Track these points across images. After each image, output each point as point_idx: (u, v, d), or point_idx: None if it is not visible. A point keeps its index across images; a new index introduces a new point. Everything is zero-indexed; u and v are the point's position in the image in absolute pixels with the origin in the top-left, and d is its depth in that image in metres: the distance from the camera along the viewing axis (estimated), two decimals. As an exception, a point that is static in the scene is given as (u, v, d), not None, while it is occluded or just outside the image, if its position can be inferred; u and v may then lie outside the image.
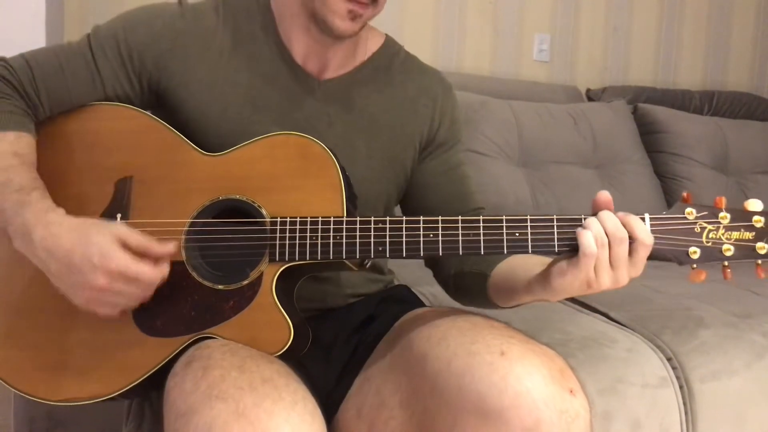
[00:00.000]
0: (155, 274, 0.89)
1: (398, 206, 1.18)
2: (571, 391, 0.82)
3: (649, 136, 2.48)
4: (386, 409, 0.92)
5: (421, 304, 1.15)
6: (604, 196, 0.88)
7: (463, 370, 0.83)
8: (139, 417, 1.10)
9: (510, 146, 2.20)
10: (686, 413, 1.36)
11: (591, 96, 2.63)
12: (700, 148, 2.47)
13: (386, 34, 1.14)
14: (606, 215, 0.86)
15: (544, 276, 0.90)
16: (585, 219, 0.87)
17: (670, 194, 2.41)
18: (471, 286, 1.07)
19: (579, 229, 0.85)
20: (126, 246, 0.88)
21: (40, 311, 0.97)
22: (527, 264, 0.96)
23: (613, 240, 0.84)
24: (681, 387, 1.37)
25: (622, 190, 2.27)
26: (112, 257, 0.86)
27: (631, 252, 0.85)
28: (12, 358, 0.97)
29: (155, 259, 0.90)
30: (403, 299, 1.16)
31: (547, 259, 0.93)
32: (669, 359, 1.40)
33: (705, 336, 1.46)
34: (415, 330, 0.95)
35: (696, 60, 2.93)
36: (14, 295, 0.99)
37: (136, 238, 0.89)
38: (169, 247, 0.91)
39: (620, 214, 0.86)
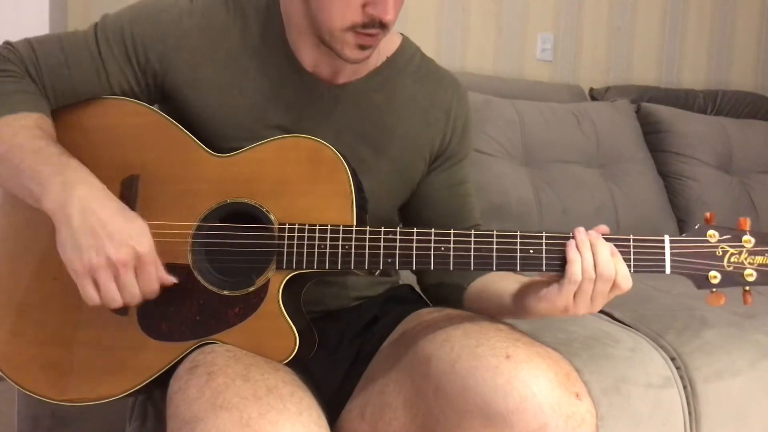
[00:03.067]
0: (155, 289, 0.90)
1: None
2: (577, 395, 0.81)
3: (653, 135, 2.47)
4: (389, 410, 0.92)
5: (425, 304, 1.15)
6: (603, 230, 0.88)
7: (467, 373, 0.83)
8: (143, 416, 1.10)
9: (513, 145, 2.20)
10: (690, 413, 1.36)
11: (594, 95, 2.62)
12: (704, 148, 2.46)
13: (402, 35, 1.09)
14: (602, 249, 0.84)
15: (520, 298, 0.91)
16: (574, 237, 0.86)
17: (673, 194, 2.40)
18: (448, 298, 1.08)
19: (569, 248, 0.85)
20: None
21: (47, 310, 0.97)
22: (503, 281, 0.97)
23: (601, 277, 0.84)
24: (684, 387, 1.37)
25: (625, 189, 2.27)
26: (147, 244, 0.87)
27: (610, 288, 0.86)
28: (17, 355, 0.97)
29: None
30: (407, 299, 1.16)
31: (524, 279, 0.93)
32: (673, 359, 1.40)
33: (709, 336, 1.46)
34: (419, 331, 0.95)
35: (699, 59, 2.92)
36: (20, 291, 0.98)
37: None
38: (171, 280, 0.92)
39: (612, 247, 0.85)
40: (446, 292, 1.08)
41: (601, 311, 1.56)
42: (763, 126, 2.65)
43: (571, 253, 0.85)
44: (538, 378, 0.80)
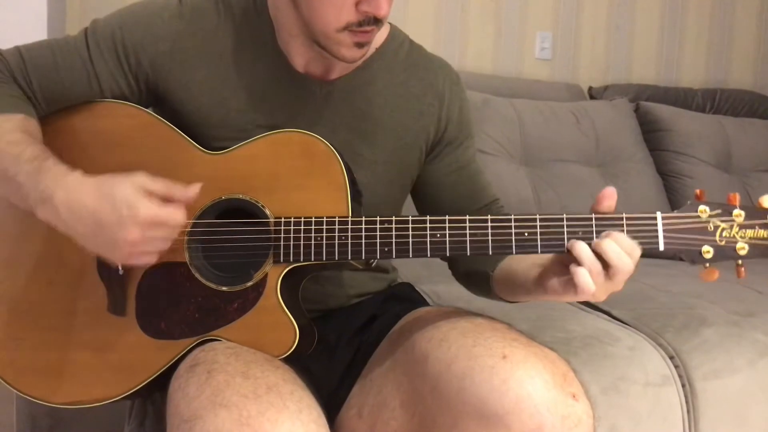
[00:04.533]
0: (180, 217, 0.87)
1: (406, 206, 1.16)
2: (574, 396, 0.81)
3: (652, 134, 2.48)
4: (387, 410, 0.92)
5: (424, 303, 1.15)
6: (610, 192, 0.87)
7: (463, 373, 0.83)
8: (142, 415, 1.10)
9: (512, 144, 2.20)
10: (688, 411, 1.36)
11: (593, 94, 2.63)
12: (703, 147, 2.46)
13: (390, 24, 1.08)
14: (607, 246, 0.83)
15: (541, 285, 0.90)
16: (569, 245, 0.84)
17: (672, 192, 2.40)
18: (479, 284, 1.07)
19: (572, 267, 0.83)
20: (150, 193, 0.87)
21: (43, 312, 0.97)
22: (525, 263, 0.95)
23: (617, 271, 0.83)
24: (683, 385, 1.36)
25: (624, 188, 2.27)
26: (139, 207, 0.85)
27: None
28: (15, 360, 0.97)
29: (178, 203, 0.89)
30: (406, 298, 1.16)
31: (544, 259, 0.92)
32: (671, 357, 1.40)
33: (707, 334, 1.46)
34: (417, 330, 0.95)
35: (698, 58, 2.92)
36: (17, 295, 0.98)
37: (158, 184, 0.88)
38: (191, 191, 0.90)
39: (613, 235, 0.84)
40: (475, 281, 1.08)
41: (600, 310, 1.57)
42: (761, 124, 2.66)
43: (572, 267, 0.83)
44: (534, 378, 0.80)
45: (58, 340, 0.96)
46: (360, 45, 0.94)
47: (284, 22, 0.99)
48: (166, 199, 0.88)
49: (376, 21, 0.92)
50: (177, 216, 0.87)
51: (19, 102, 0.96)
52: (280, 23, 1.01)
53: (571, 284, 0.84)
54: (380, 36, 1.06)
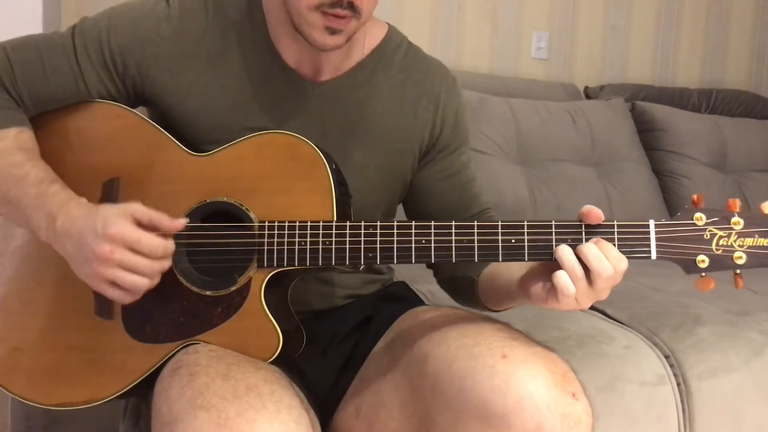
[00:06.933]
0: (157, 243, 0.87)
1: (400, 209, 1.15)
2: (574, 395, 0.81)
3: (647, 133, 2.48)
4: (385, 410, 0.92)
5: (420, 302, 1.14)
6: (594, 214, 0.84)
7: (464, 373, 0.83)
8: (136, 414, 1.09)
9: (508, 144, 2.20)
10: (684, 411, 1.36)
11: (589, 94, 2.63)
12: (698, 146, 2.47)
13: (388, 25, 1.07)
14: (589, 251, 0.81)
15: (524, 289, 0.88)
16: (557, 248, 0.82)
17: (667, 192, 2.41)
18: (463, 291, 1.07)
19: (555, 273, 0.82)
20: (136, 220, 0.87)
21: (33, 315, 0.97)
22: (509, 269, 0.95)
23: (598, 277, 0.81)
24: (678, 384, 1.37)
25: (619, 187, 2.27)
26: (113, 223, 0.85)
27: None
28: (4, 360, 0.97)
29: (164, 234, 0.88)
30: (402, 297, 1.15)
31: (530, 265, 0.90)
32: (667, 357, 1.40)
33: (703, 333, 1.46)
34: (415, 330, 0.95)
35: (694, 58, 2.93)
36: (7, 297, 0.98)
37: (144, 211, 0.88)
38: (179, 223, 0.89)
39: (601, 242, 0.82)
40: (460, 286, 1.07)
41: (595, 309, 1.57)
42: (756, 124, 2.66)
43: (556, 274, 0.82)
44: (534, 378, 0.80)
45: (47, 342, 0.96)
46: (332, 31, 0.91)
47: (272, 9, 0.98)
48: (153, 228, 0.88)
49: (352, 8, 0.90)
50: (150, 242, 0.86)
51: (9, 113, 0.95)
52: (270, 12, 0.99)
53: (554, 291, 0.83)
54: (376, 37, 1.05)
